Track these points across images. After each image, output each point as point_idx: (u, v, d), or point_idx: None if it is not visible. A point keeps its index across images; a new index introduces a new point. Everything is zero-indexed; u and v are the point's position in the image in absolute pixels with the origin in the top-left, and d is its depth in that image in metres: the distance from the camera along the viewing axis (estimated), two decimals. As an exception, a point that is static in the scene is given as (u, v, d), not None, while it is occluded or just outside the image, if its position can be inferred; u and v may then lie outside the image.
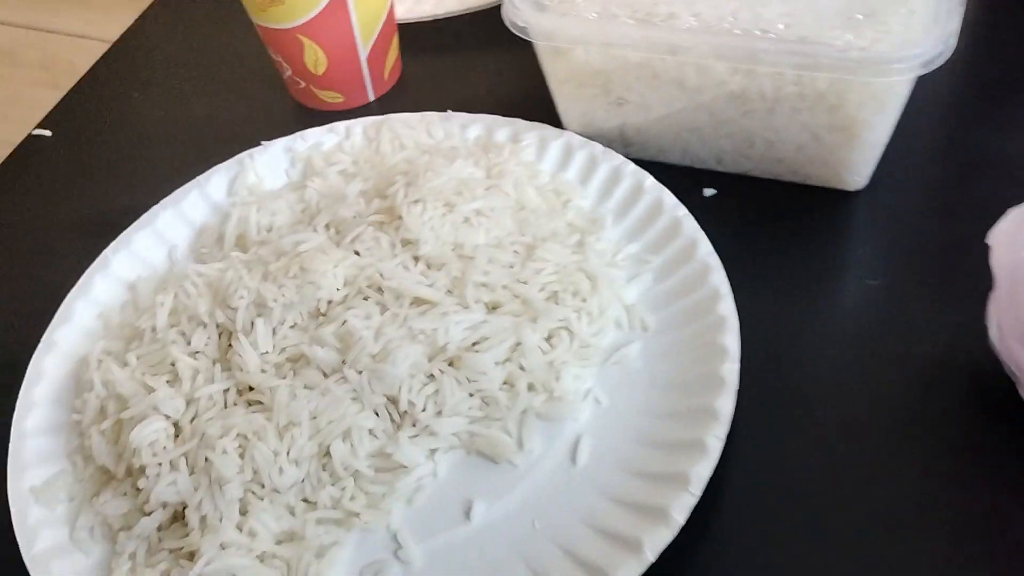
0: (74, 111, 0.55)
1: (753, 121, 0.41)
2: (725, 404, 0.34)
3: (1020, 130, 0.45)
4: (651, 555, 0.31)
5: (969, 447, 0.35)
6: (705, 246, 0.40)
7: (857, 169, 0.42)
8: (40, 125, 0.55)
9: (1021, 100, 0.46)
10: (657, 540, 0.32)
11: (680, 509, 0.32)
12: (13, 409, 0.38)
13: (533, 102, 0.47)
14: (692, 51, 0.39)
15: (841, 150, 0.41)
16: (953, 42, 0.36)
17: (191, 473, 0.34)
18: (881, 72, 0.36)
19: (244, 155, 0.47)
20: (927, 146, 0.45)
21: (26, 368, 0.40)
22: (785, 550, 0.33)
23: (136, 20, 0.61)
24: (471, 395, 0.37)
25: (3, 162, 0.53)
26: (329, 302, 0.39)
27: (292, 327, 0.38)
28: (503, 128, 0.47)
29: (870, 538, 0.33)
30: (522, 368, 0.37)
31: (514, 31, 0.41)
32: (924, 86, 0.40)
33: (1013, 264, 0.31)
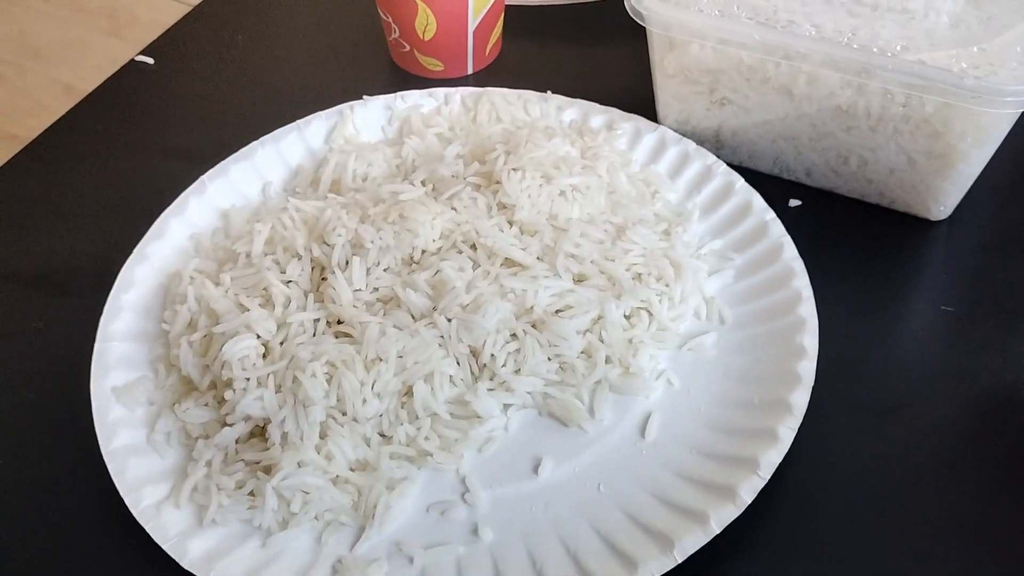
0: (178, 43, 0.57)
1: (853, 138, 0.42)
2: (800, 398, 0.35)
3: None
4: (716, 527, 0.32)
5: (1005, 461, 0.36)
6: (791, 250, 0.41)
7: (945, 199, 0.43)
8: (144, 52, 0.56)
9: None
10: (724, 515, 0.33)
11: (748, 490, 0.33)
12: (101, 314, 0.40)
13: (629, 95, 0.48)
14: (808, 58, 0.40)
15: (934, 178, 0.42)
16: (1065, 85, 0.37)
17: (277, 391, 0.35)
18: (993, 103, 0.37)
19: (344, 106, 0.48)
20: (1011, 184, 0.46)
21: (114, 280, 0.41)
22: (836, 546, 0.34)
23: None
24: (550, 359, 0.38)
25: (105, 82, 0.54)
26: (424, 252, 0.40)
27: (386, 270, 0.39)
28: (599, 115, 0.48)
29: (915, 544, 0.34)
30: (602, 340, 0.38)
31: (633, 17, 0.43)
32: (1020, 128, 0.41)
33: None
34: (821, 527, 0.35)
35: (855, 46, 0.39)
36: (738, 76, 0.42)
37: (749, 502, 0.33)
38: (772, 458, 0.34)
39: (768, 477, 0.33)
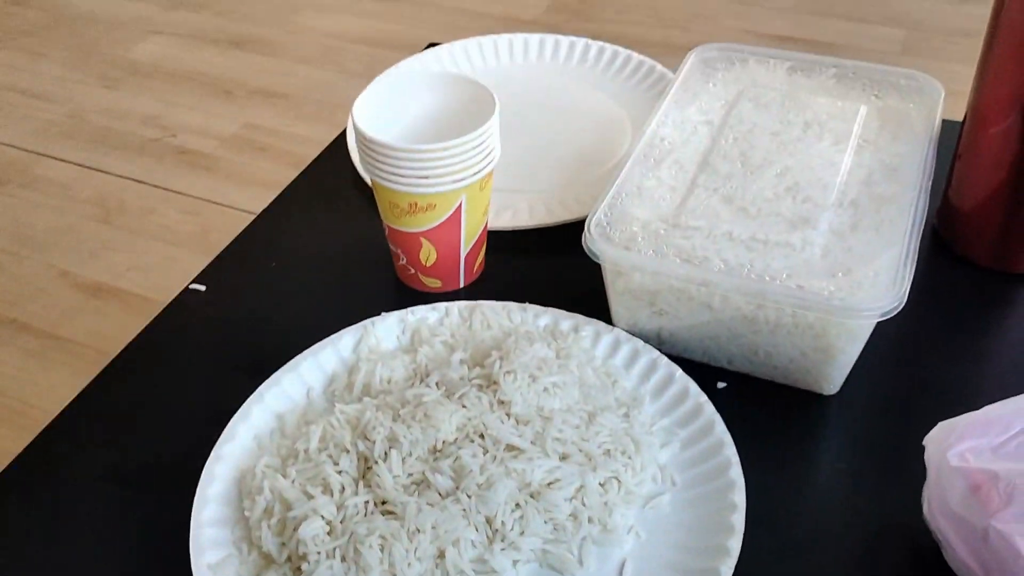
0: (223, 271, 0.70)
1: (759, 337, 0.56)
2: (735, 543, 0.48)
3: (955, 364, 0.60)
4: (682, 646, 0.44)
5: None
6: (720, 425, 0.54)
7: (832, 380, 0.57)
8: (195, 280, 0.69)
9: (960, 340, 0.62)
10: (686, 636, 0.44)
11: (702, 616, 0.45)
12: (190, 506, 0.51)
13: (590, 303, 0.62)
14: (719, 286, 0.54)
15: (821, 366, 0.56)
16: (903, 299, 0.51)
17: (342, 561, 0.47)
18: (853, 316, 0.51)
19: (368, 322, 0.61)
20: (886, 366, 0.60)
21: (199, 476, 0.52)
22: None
23: (274, 200, 0.76)
24: (546, 522, 0.50)
25: (168, 307, 0.67)
26: (444, 442, 0.52)
27: (417, 458, 0.51)
28: (567, 320, 0.61)
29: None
30: (584, 504, 0.50)
31: (590, 256, 0.57)
32: (886, 322, 0.55)
33: (938, 461, 0.46)
34: (758, 641, 0.46)
35: (753, 276, 0.54)
36: (670, 295, 0.57)
37: (703, 625, 0.45)
38: (717, 590, 0.46)
39: (715, 605, 0.45)
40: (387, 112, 0.62)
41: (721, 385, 0.59)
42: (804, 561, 0.50)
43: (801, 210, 0.58)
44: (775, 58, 0.72)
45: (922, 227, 0.57)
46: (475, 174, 0.60)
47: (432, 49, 0.87)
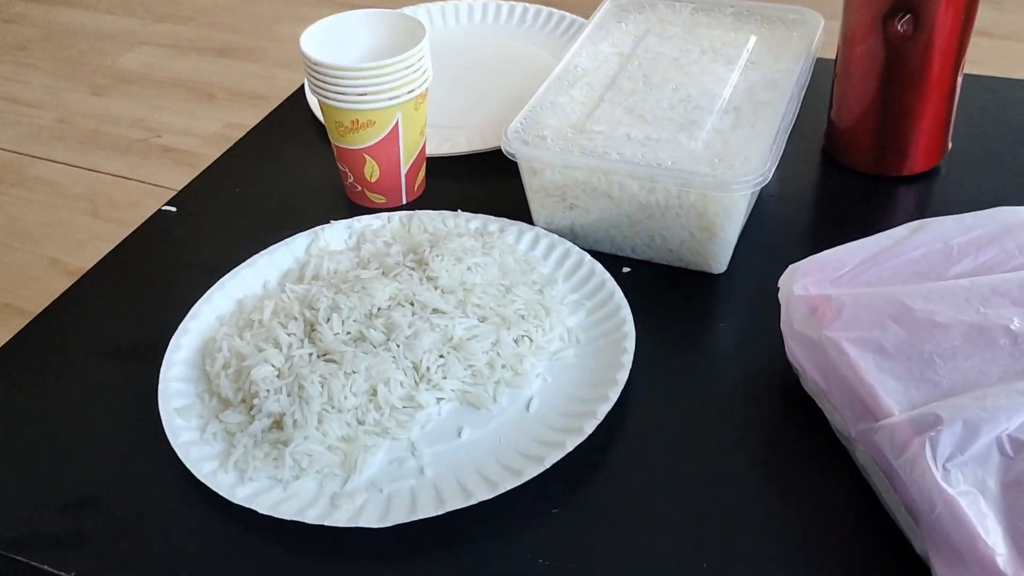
0: (194, 193, 0.78)
1: (653, 222, 0.65)
2: (622, 376, 0.56)
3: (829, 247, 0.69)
4: (570, 446, 0.52)
5: (774, 414, 0.56)
6: (618, 293, 0.62)
7: (718, 258, 0.65)
8: (168, 203, 0.77)
9: (834, 229, 0.70)
10: (574, 441, 0.52)
11: (590, 426, 0.53)
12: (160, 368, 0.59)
13: (515, 209, 0.71)
14: (617, 173, 0.63)
15: (707, 244, 0.65)
16: (768, 175, 0.60)
17: (288, 395, 0.55)
18: (725, 189, 0.60)
19: (318, 228, 0.70)
20: (770, 250, 0.69)
21: (167, 346, 0.61)
22: (654, 472, 0.54)
23: (240, 139, 0.85)
24: (465, 368, 0.58)
25: (141, 226, 0.75)
26: (379, 308, 0.60)
27: (354, 320, 0.59)
28: (494, 223, 0.70)
29: (702, 470, 0.54)
30: (498, 354, 0.59)
31: (507, 156, 0.66)
32: (775, 218, 0.64)
33: (787, 295, 0.54)
34: (646, 456, 0.55)
35: (643, 163, 0.63)
36: (577, 188, 0.65)
37: (589, 433, 0.53)
38: (604, 407, 0.54)
39: (601, 418, 0.54)
40: (333, 46, 0.71)
41: (626, 270, 0.68)
42: (687, 397, 0.58)
43: (691, 116, 0.67)
44: (680, 1, 0.81)
45: (792, 124, 0.66)
46: (409, 92, 0.69)
47: (407, 9, 0.96)
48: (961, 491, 0.42)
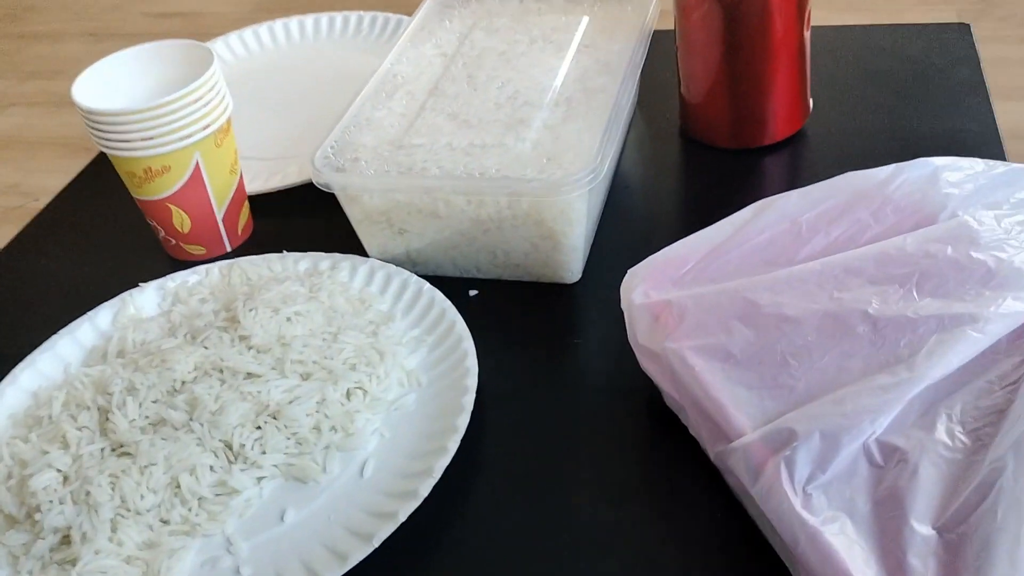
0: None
1: (490, 238, 0.58)
2: (462, 421, 0.49)
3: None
4: (402, 516, 0.45)
5: (639, 438, 0.50)
6: (460, 324, 0.55)
7: (568, 267, 0.59)
8: (-37, 288, 0.68)
9: (699, 212, 0.64)
10: (408, 508, 0.45)
11: (425, 488, 0.46)
12: (-63, 487, 0.50)
13: (350, 240, 0.64)
14: (438, 190, 0.56)
15: (552, 254, 0.58)
16: (599, 171, 0.54)
17: (74, 504, 0.47)
18: (553, 192, 0.53)
19: (125, 294, 0.62)
20: (629, 250, 0.62)
21: (-52, 458, 0.52)
22: (509, 520, 0.47)
23: (54, 199, 0.77)
24: (288, 437, 0.50)
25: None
26: (184, 383, 0.52)
27: (154, 401, 0.51)
28: (325, 260, 0.63)
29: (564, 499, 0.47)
30: (326, 415, 0.51)
31: (320, 187, 0.58)
32: (622, 209, 0.58)
33: (628, 304, 0.48)
34: (497, 503, 0.48)
35: (466, 175, 0.56)
36: (402, 211, 0.58)
37: (425, 495, 0.46)
38: (442, 462, 0.47)
39: (438, 477, 0.46)
40: (114, 89, 0.63)
41: (473, 292, 0.61)
42: (543, 428, 0.51)
43: (519, 113, 0.61)
44: (509, -11, 0.74)
45: (631, 108, 0.60)
46: (204, 128, 0.61)
47: (219, 39, 0.88)
48: (825, 518, 0.36)
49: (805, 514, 0.36)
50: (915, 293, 0.42)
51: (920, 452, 0.37)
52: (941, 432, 0.37)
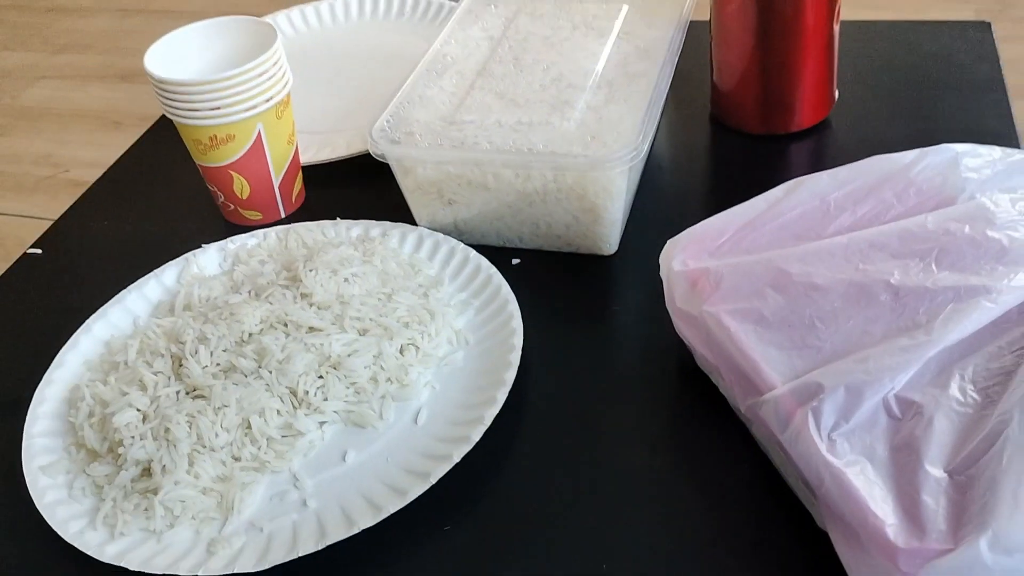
0: (61, 232, 0.74)
1: (536, 210, 0.62)
2: (510, 375, 0.53)
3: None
4: (457, 458, 0.49)
5: (671, 396, 0.54)
6: (505, 287, 0.59)
7: (607, 239, 0.63)
8: (33, 245, 0.73)
9: (726, 194, 0.68)
10: (461, 451, 0.50)
11: (477, 433, 0.50)
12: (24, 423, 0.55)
13: (397, 210, 0.68)
14: (489, 164, 0.60)
15: (592, 226, 0.62)
16: (642, 151, 0.58)
17: (154, 439, 0.51)
18: (598, 168, 0.57)
19: (189, 254, 0.66)
20: (661, 225, 0.66)
21: (32, 399, 0.56)
22: (550, 471, 0.51)
23: (114, 164, 0.81)
24: (347, 387, 0.55)
25: (5, 273, 0.71)
26: (251, 334, 0.57)
27: (224, 350, 0.56)
28: (376, 228, 0.67)
29: (607, 447, 0.52)
30: (382, 368, 0.55)
31: (376, 157, 0.63)
32: (656, 188, 0.61)
33: (667, 271, 0.52)
34: (540, 454, 0.52)
35: (514, 151, 0.60)
36: (452, 183, 0.62)
37: (476, 440, 0.50)
38: (491, 412, 0.51)
39: (489, 423, 0.51)
40: (181, 61, 0.67)
41: (516, 261, 0.65)
42: (582, 387, 0.56)
43: (563, 95, 0.65)
44: (551, -23, 0.78)
45: (666, 92, 0.63)
46: (267, 101, 0.65)
47: (267, 17, 0.92)
48: (848, 461, 0.40)
49: (830, 457, 0.40)
50: (934, 267, 0.46)
51: (935, 406, 0.41)
52: (954, 389, 0.41)
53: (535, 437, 0.53)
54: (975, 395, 0.41)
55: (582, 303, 0.62)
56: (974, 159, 0.51)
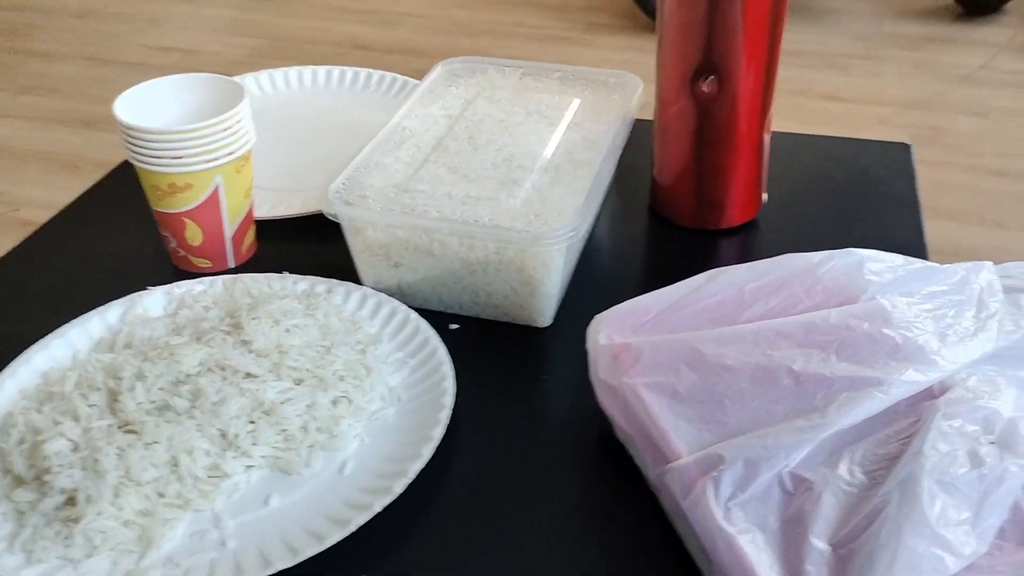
0: (13, 264, 0.75)
1: (476, 279, 0.65)
2: (438, 432, 0.56)
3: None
4: (378, 507, 0.51)
5: (590, 464, 0.57)
6: (441, 349, 0.62)
7: (542, 312, 0.66)
8: (-17, 272, 0.74)
9: (658, 279, 0.72)
10: (383, 501, 0.51)
11: (400, 485, 0.52)
12: (-51, 446, 0.55)
13: (345, 270, 0.70)
14: (436, 231, 0.63)
15: (529, 299, 0.65)
16: (579, 230, 0.62)
17: (82, 469, 0.52)
18: (538, 244, 0.61)
19: (135, 295, 0.67)
20: (594, 302, 0.70)
21: (-39, 422, 0.57)
22: (470, 527, 0.53)
23: (63, 208, 0.82)
24: (277, 433, 0.56)
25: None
26: (187, 375, 0.58)
27: (160, 388, 0.57)
28: (322, 284, 0.69)
29: (522, 505, 0.54)
30: (314, 417, 0.57)
31: (329, 217, 0.66)
32: (593, 269, 0.65)
33: (593, 344, 0.55)
34: (461, 511, 0.54)
35: (461, 221, 0.63)
36: (400, 247, 0.66)
37: (399, 492, 0.52)
38: (416, 465, 0.53)
39: (412, 477, 0.53)
40: (149, 110, 0.70)
41: (454, 327, 0.68)
42: (508, 450, 0.58)
43: (512, 174, 0.69)
44: (510, 67, 0.83)
45: (610, 182, 0.68)
46: (228, 155, 0.68)
47: (237, 78, 0.96)
48: (741, 529, 0.43)
49: (725, 525, 0.43)
50: (833, 357, 0.50)
51: (824, 484, 0.44)
52: (843, 470, 0.45)
53: (457, 494, 0.55)
54: (862, 476, 0.45)
55: (514, 371, 0.65)
56: (877, 264, 0.55)
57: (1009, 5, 2.37)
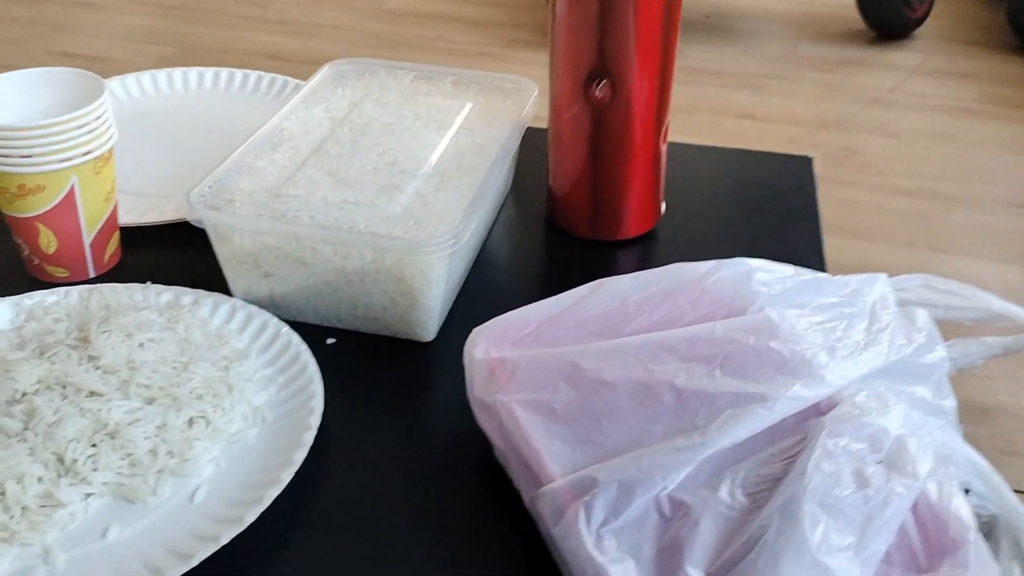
0: None
1: (353, 289, 0.61)
2: (300, 455, 0.51)
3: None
4: (225, 539, 0.46)
5: (468, 487, 0.53)
6: (313, 367, 0.58)
7: (424, 325, 0.62)
8: None
9: (536, 298, 0.69)
10: (231, 532, 0.47)
11: (252, 514, 0.47)
12: None
13: (217, 280, 0.65)
14: (307, 238, 0.59)
15: (410, 311, 0.61)
16: (459, 239, 0.58)
17: None
18: (415, 252, 0.57)
19: (-23, 307, 0.61)
20: (482, 316, 0.66)
21: None
22: (337, 554, 0.49)
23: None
24: (122, 457, 0.51)
25: None
26: (24, 394, 0.53)
27: (-9, 410, 0.51)
28: (188, 295, 0.64)
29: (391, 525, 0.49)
30: (164, 440, 0.52)
31: (193, 223, 0.61)
32: (485, 282, 0.62)
33: (470, 358, 0.51)
34: (329, 539, 0.49)
35: (334, 227, 0.59)
36: (270, 255, 0.61)
37: (250, 521, 0.47)
38: (273, 492, 0.49)
39: (267, 504, 0.48)
40: (2, 107, 0.64)
41: (330, 341, 0.63)
42: (382, 472, 0.54)
43: (395, 179, 0.65)
44: (402, 69, 0.80)
45: (505, 190, 0.65)
46: (85, 155, 0.63)
47: (116, 78, 0.90)
48: (612, 558, 0.40)
49: (596, 554, 0.39)
50: (718, 372, 0.47)
51: (703, 508, 0.41)
52: (724, 492, 0.42)
53: (322, 523, 0.51)
54: (743, 499, 0.42)
55: (393, 388, 0.60)
56: (766, 274, 0.53)
57: (920, 30, 2.44)
